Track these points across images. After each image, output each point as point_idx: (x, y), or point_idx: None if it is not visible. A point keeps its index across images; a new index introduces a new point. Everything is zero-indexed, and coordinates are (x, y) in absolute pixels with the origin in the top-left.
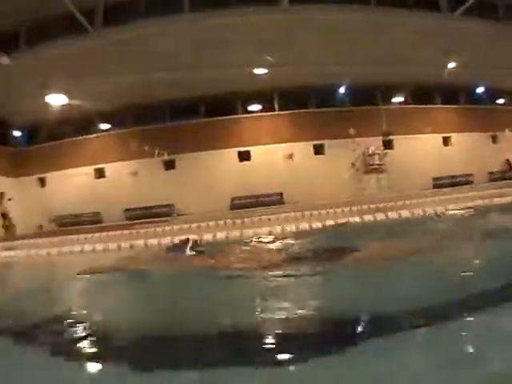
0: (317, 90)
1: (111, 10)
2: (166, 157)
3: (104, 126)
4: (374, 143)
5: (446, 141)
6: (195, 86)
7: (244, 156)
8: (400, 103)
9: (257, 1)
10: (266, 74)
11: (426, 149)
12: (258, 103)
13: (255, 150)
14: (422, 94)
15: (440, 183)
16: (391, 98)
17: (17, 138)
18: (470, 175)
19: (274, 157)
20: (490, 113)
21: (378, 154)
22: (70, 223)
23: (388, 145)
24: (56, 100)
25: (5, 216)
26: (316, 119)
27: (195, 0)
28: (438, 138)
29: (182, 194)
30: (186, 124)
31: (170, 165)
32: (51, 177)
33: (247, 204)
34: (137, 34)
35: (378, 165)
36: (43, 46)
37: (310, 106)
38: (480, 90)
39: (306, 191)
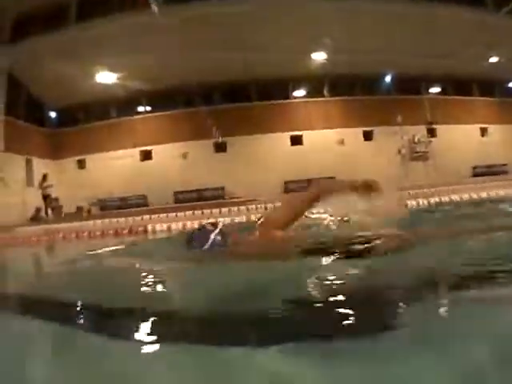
0: (367, 78)
1: None
2: (220, 139)
3: (151, 107)
4: (419, 131)
5: (483, 131)
6: (248, 69)
7: (296, 140)
8: (442, 94)
9: None
10: (319, 60)
11: (465, 138)
12: (310, 89)
13: (307, 135)
14: (462, 86)
15: (479, 172)
16: (434, 88)
17: (54, 118)
18: (505, 165)
19: (326, 142)
20: None
21: (423, 141)
22: (114, 206)
23: (431, 133)
24: (103, 78)
25: (47, 198)
26: (365, 106)
27: None
28: (476, 128)
29: (234, 177)
30: (238, 107)
31: (221, 147)
32: (91, 159)
33: (300, 188)
34: (196, 13)
35: (423, 152)
36: (93, 22)
37: (360, 93)
38: None
39: (356, 176)
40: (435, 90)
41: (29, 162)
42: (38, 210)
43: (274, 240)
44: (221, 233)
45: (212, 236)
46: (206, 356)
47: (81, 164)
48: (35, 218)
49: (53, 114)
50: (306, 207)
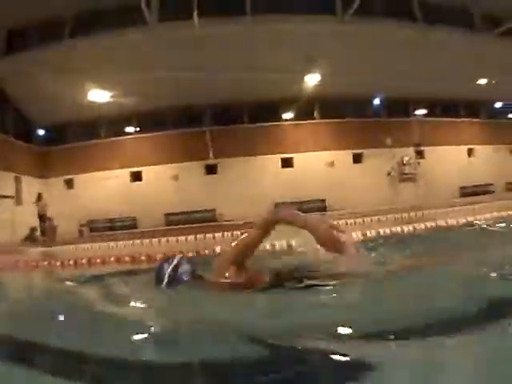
0: (356, 101)
1: (168, 4)
2: (212, 159)
3: (141, 128)
4: (407, 153)
5: (469, 152)
6: (239, 91)
7: (287, 162)
8: (430, 115)
9: (313, 10)
10: (310, 82)
11: (452, 159)
12: (301, 111)
13: (298, 157)
14: (449, 107)
15: (466, 192)
16: (422, 110)
17: (42, 136)
18: (491, 185)
19: (316, 164)
20: (509, 126)
21: (412, 163)
22: (103, 228)
23: (419, 155)
24: (93, 96)
25: (43, 218)
26: (355, 129)
27: (256, 2)
28: (463, 149)
29: (224, 200)
30: (229, 129)
31: (211, 169)
32: (80, 179)
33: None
34: (187, 33)
35: (412, 173)
36: (85, 39)
37: (349, 115)
38: (498, 104)
39: (347, 198)
40: (422, 111)
41: (17, 180)
42: (32, 229)
43: (231, 276)
44: (178, 267)
45: (167, 272)
46: None
47: (69, 184)
48: (30, 238)
49: (41, 132)
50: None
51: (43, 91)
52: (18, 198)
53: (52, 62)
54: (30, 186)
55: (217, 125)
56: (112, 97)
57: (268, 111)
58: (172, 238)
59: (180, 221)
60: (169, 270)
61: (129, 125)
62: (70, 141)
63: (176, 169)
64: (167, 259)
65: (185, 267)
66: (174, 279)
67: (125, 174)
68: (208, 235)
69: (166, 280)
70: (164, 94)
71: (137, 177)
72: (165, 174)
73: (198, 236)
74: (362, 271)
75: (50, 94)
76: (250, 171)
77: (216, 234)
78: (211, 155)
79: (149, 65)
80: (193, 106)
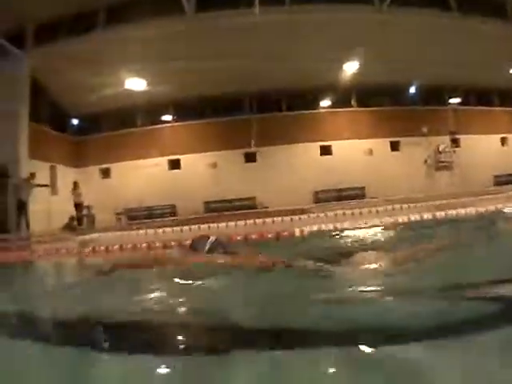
0: (393, 89)
1: None
2: (253, 147)
3: (179, 116)
4: (443, 142)
5: (503, 141)
6: (278, 79)
7: (325, 150)
8: (464, 104)
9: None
10: (349, 70)
11: (486, 148)
12: (339, 99)
13: (336, 145)
14: (483, 97)
15: (500, 180)
16: (457, 98)
17: (77, 125)
18: None
19: (354, 152)
20: None
21: (448, 151)
22: (142, 216)
23: (455, 143)
24: (129, 85)
25: (79, 207)
26: (392, 117)
27: None
28: (496, 138)
29: (264, 188)
30: (268, 117)
31: (251, 157)
32: (116, 167)
33: (330, 198)
34: (227, 21)
35: (448, 162)
36: (120, 28)
37: (387, 103)
38: None
39: (385, 186)
40: (458, 100)
41: (53, 169)
42: (72, 218)
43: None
44: (217, 242)
45: (208, 243)
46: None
47: (105, 172)
48: (69, 227)
49: (76, 121)
50: None
51: (78, 81)
52: (53, 188)
53: (87, 52)
54: (65, 175)
55: (256, 113)
56: (149, 85)
57: (307, 99)
58: (213, 225)
59: (220, 208)
60: (210, 241)
61: (166, 113)
62: (106, 130)
63: (215, 157)
64: (204, 236)
65: (219, 243)
66: (213, 248)
67: (163, 162)
68: (249, 221)
69: (207, 247)
70: (203, 82)
71: (175, 165)
72: (203, 162)
73: (239, 223)
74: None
75: (85, 83)
76: (290, 159)
77: (257, 220)
78: (252, 144)
79: (186, 54)
80: (232, 94)
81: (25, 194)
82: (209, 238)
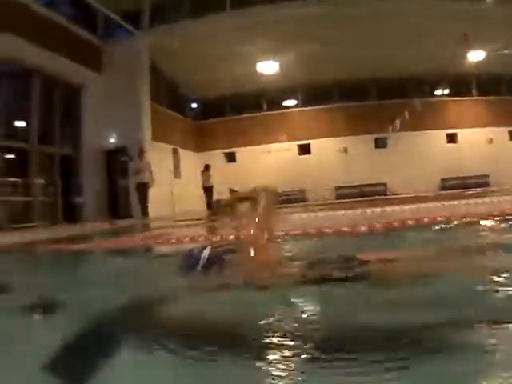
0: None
1: None
2: (396, 129)
3: (307, 101)
4: None
5: None
6: (405, 66)
7: (452, 138)
8: None
9: None
10: (474, 59)
11: None
12: (462, 88)
13: (460, 133)
14: None
15: None
16: None
17: (199, 109)
18: None
19: (476, 140)
20: None
21: None
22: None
23: None
24: (263, 68)
25: (208, 190)
26: (510, 106)
27: None
28: None
29: (394, 174)
30: (394, 103)
31: (380, 143)
32: (241, 152)
33: (455, 185)
34: (358, 9)
35: None
36: (247, 10)
37: (506, 93)
38: None
39: (508, 175)
40: None
41: (175, 153)
42: (218, 201)
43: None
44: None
45: (202, 256)
46: None
47: (230, 157)
48: (216, 210)
49: (199, 105)
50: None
51: (203, 64)
52: (176, 172)
53: (207, 34)
54: (188, 159)
55: (386, 99)
56: (281, 68)
57: (432, 86)
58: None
59: (351, 194)
60: (203, 255)
61: (294, 98)
62: (229, 114)
63: (345, 142)
64: (194, 249)
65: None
66: (208, 264)
67: (292, 147)
68: (386, 208)
69: (201, 264)
70: (331, 67)
71: (305, 150)
72: (334, 147)
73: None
74: None
75: (210, 67)
76: (419, 146)
77: (389, 208)
78: (392, 128)
79: (316, 37)
80: (361, 80)
81: (147, 178)
82: (202, 250)
